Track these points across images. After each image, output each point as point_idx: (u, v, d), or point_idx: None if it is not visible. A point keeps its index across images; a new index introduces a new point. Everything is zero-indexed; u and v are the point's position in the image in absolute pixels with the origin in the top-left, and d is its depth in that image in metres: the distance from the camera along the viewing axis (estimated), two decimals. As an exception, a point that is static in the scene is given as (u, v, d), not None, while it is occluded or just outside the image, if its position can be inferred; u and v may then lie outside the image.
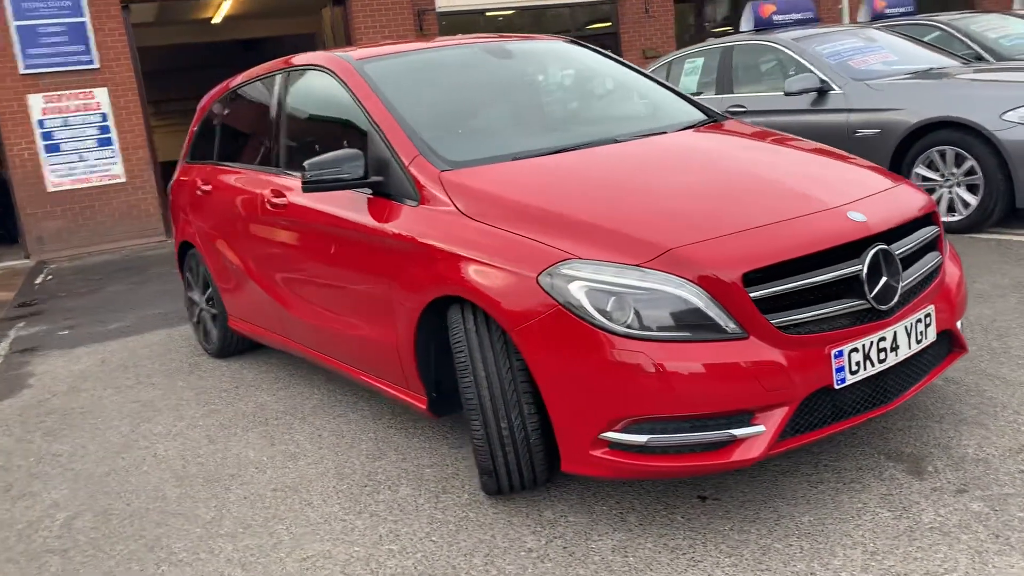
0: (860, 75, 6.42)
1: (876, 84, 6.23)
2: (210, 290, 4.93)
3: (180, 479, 3.42)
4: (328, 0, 13.70)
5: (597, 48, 4.22)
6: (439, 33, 14.13)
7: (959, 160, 5.65)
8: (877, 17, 9.22)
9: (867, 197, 2.80)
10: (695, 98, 4.10)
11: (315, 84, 3.86)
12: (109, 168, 11.96)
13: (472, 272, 2.73)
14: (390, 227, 3.12)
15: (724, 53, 7.43)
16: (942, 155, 5.74)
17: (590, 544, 2.58)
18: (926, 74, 6.32)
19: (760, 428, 2.44)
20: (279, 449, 3.59)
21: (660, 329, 2.41)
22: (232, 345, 4.99)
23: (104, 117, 11.85)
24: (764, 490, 2.77)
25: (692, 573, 2.37)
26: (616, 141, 3.30)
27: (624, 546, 2.55)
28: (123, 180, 12.00)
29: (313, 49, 18.02)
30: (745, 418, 2.44)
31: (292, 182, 3.81)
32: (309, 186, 3.25)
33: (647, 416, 2.43)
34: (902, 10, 9.40)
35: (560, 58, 4.02)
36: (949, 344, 2.96)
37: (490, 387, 2.68)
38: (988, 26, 8.27)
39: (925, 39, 7.72)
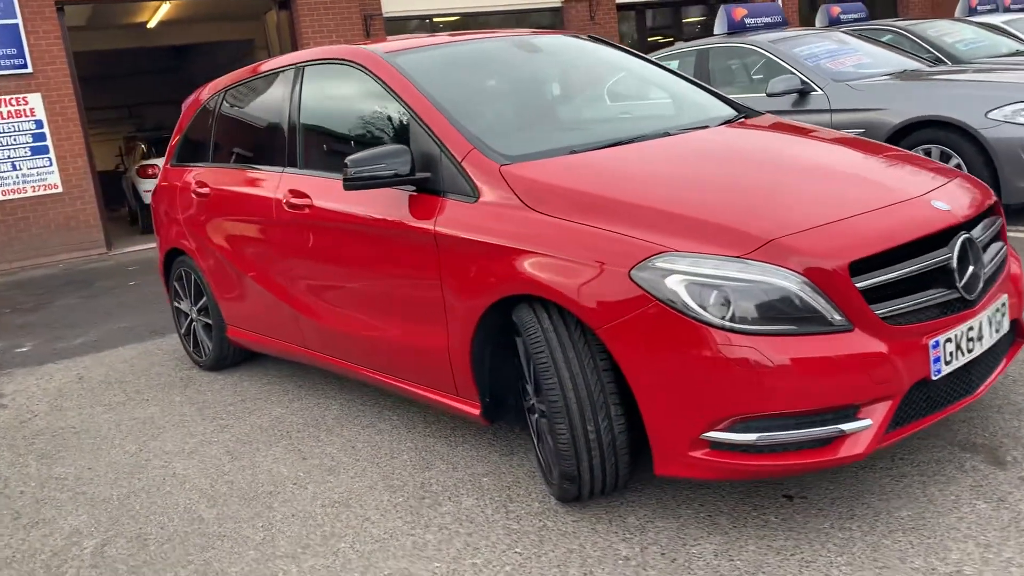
0: (839, 76, 6.52)
1: (857, 84, 6.33)
2: (204, 299, 4.67)
3: (212, 499, 3.19)
4: (271, 4, 13.37)
5: (615, 43, 4.15)
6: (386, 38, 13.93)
7: (944, 158, 5.76)
8: (833, 22, 9.42)
9: (941, 187, 2.78)
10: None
11: (339, 79, 3.68)
12: (45, 177, 11.39)
13: (547, 269, 2.60)
14: (442, 226, 2.97)
15: (700, 56, 7.46)
16: (927, 153, 5.84)
17: (689, 549, 2.47)
18: (903, 75, 6.45)
19: (867, 422, 2.37)
20: (313, 463, 3.39)
21: (765, 323, 2.33)
22: (229, 357, 4.73)
23: (39, 124, 11.29)
24: (849, 487, 2.71)
25: (807, 574, 2.29)
26: (668, 134, 3.22)
27: (726, 550, 2.45)
28: (60, 190, 11.45)
29: (251, 55, 17.63)
30: (851, 412, 2.37)
31: (314, 182, 3.62)
32: (352, 183, 3.08)
33: (754, 414, 2.34)
34: (855, 16, 9.62)
35: (585, 52, 3.92)
36: (1013, 333, 2.96)
37: (576, 389, 2.55)
38: (943, 31, 8.52)
39: (883, 42, 7.89)
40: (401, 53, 3.52)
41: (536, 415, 2.89)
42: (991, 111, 5.55)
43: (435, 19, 14.78)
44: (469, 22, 14.92)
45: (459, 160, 2.99)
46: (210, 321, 4.67)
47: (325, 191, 3.55)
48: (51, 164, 11.38)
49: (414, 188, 3.14)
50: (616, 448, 2.59)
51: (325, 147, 3.72)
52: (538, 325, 2.65)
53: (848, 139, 3.31)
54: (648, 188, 2.69)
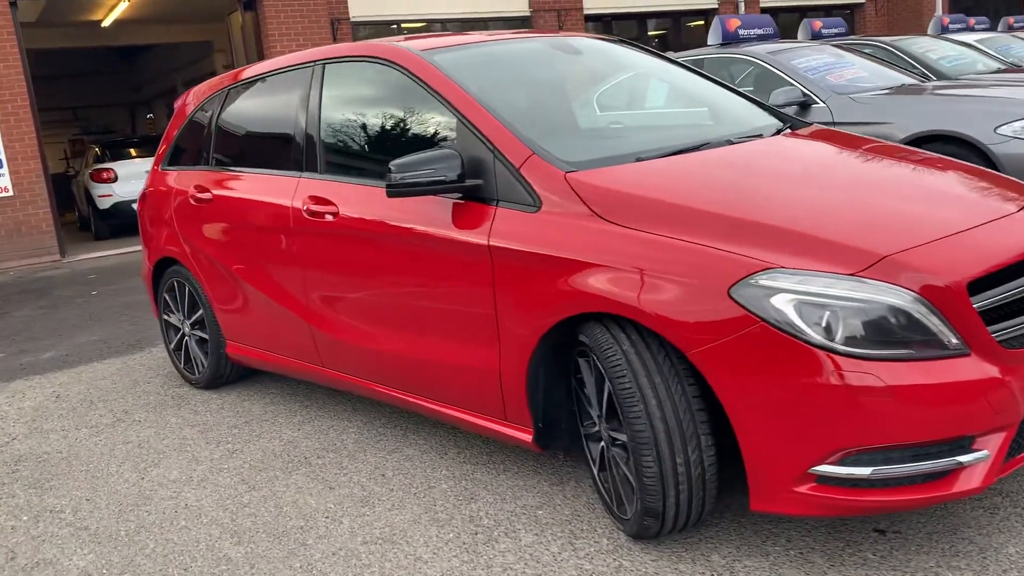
0: (841, 89, 6.44)
1: (860, 98, 6.26)
2: (200, 312, 4.35)
3: (236, 535, 2.89)
4: (235, 5, 12.97)
5: (649, 48, 3.97)
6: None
7: (951, 173, 5.71)
8: (815, 36, 9.41)
9: (1032, 202, 2.64)
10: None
11: (367, 78, 3.42)
12: (-5, 180, 10.82)
13: (628, 285, 2.39)
14: (497, 238, 2.73)
15: (695, 66, 7.32)
16: (934, 168, 5.78)
17: (790, 592, 2.28)
18: (904, 89, 6.40)
19: (983, 453, 2.20)
20: (342, 493, 3.12)
21: (880, 346, 2.15)
22: (225, 375, 4.42)
23: (-11, 124, 10.72)
24: (942, 520, 2.54)
25: (929, 620, 2.11)
26: (730, 142, 3.04)
27: (830, 592, 2.26)
28: (11, 194, 10.90)
29: (209, 58, 17.13)
30: (967, 443, 2.20)
31: (339, 188, 3.36)
32: (397, 190, 2.84)
33: (869, 446, 2.15)
34: (836, 30, 9.63)
35: (622, 56, 3.72)
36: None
37: (664, 418, 2.34)
38: (926, 48, 8.56)
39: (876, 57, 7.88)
40: (438, 51, 3.28)
41: (601, 443, 2.67)
42: (1000, 127, 5.51)
43: (403, 24, 14.53)
44: (436, 29, 14.69)
45: (516, 166, 2.76)
46: (206, 336, 4.35)
47: (353, 198, 3.28)
48: (1, 166, 10.82)
49: (459, 196, 2.91)
50: (705, 482, 2.39)
51: (352, 151, 3.45)
52: (616, 346, 2.43)
53: (911, 150, 3.17)
54: (737, 200, 2.49)
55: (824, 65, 6.79)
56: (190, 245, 4.24)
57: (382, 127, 3.35)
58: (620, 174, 2.69)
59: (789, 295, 2.18)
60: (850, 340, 2.14)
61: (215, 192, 4.04)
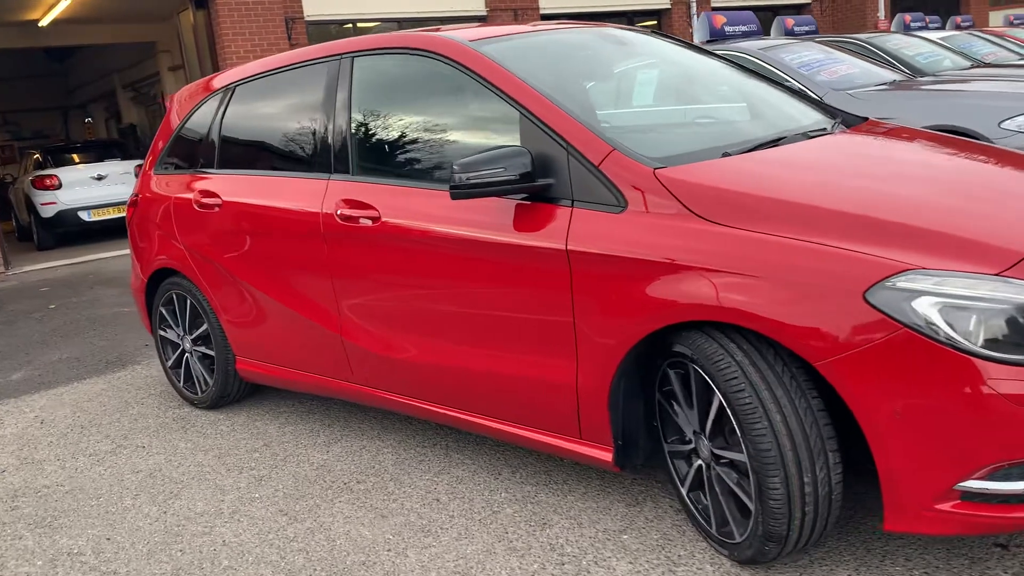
0: (836, 85, 6.39)
1: (858, 94, 6.20)
2: (204, 327, 4.03)
3: (291, 575, 2.62)
4: (185, 4, 12.48)
5: (683, 40, 3.79)
6: (308, 43, 13.26)
7: (955, 168, 5.68)
8: (788, 34, 9.40)
9: None
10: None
11: (410, 72, 3.16)
12: (-68, 189, 10.17)
13: (740, 290, 2.20)
14: (576, 242, 2.52)
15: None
16: (936, 164, 5.75)
17: (932, 618, 2.11)
18: (899, 85, 6.37)
19: None
20: (397, 522, 2.86)
21: (1031, 351, 2.00)
22: (232, 393, 4.10)
23: (-75, 129, 10.07)
24: (1061, 530, 2.41)
25: (1094, 645, 1.97)
26: (808, 136, 2.88)
27: (976, 616, 2.10)
28: (-50, 203, 10.25)
29: (152, 59, 16.50)
30: (1117, 453, 2.07)
31: (379, 191, 3.10)
32: (462, 191, 2.60)
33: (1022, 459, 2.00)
34: (807, 28, 9.64)
35: (670, 48, 3.53)
36: None
37: (790, 434, 2.16)
38: (901, 44, 8.60)
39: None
40: (486, 42, 3.05)
41: (696, 461, 2.49)
42: (1004, 121, 5.50)
43: (358, 24, 14.18)
44: (392, 28, 14.37)
45: (596, 163, 2.55)
46: (211, 352, 4.04)
47: (397, 201, 3.03)
48: (-61, 174, 10.17)
49: (523, 196, 2.69)
50: (831, 501, 2.21)
51: (392, 151, 3.19)
52: (728, 357, 2.24)
53: (973, 144, 3.05)
54: (854, 197, 2.31)
55: (815, 62, 6.74)
56: (194, 255, 3.92)
57: (427, 124, 3.10)
58: (715, 170, 2.49)
59: (933, 298, 2.02)
60: (1001, 345, 1.99)
61: (225, 198, 3.73)
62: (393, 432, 3.64)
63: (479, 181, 2.59)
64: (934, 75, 7.77)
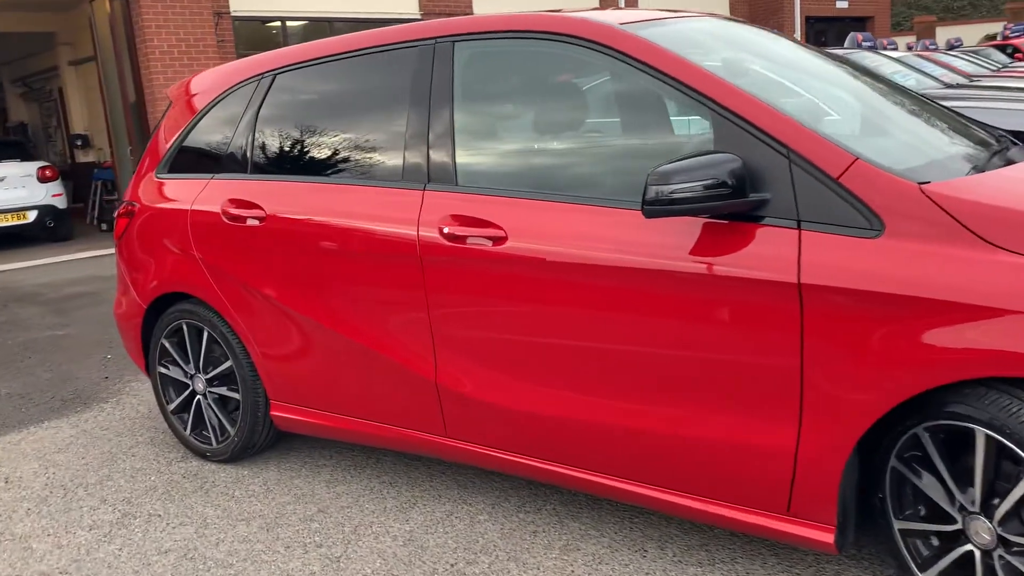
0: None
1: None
2: (228, 364, 3.32)
3: None
4: (98, -9, 11.38)
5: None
6: (233, 40, 12.34)
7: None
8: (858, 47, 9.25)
9: None
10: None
11: (538, 60, 2.59)
12: None
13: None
14: (811, 274, 2.03)
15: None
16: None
17: None
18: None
19: None
20: (551, 622, 2.28)
21: None
22: (258, 444, 3.40)
23: None
24: None
25: None
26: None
27: None
28: None
29: (51, 51, 15.14)
30: None
31: (503, 206, 2.52)
32: (658, 208, 2.10)
33: None
34: (868, 44, 9.52)
35: (800, 47, 3.08)
36: None
37: None
38: (876, 63, 8.51)
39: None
40: (642, 26, 2.52)
41: (970, 547, 2.02)
42: None
43: (287, 21, 13.33)
44: (323, 27, 13.59)
45: (834, 176, 2.06)
46: (234, 394, 3.33)
47: (529, 217, 2.46)
48: None
49: (710, 215, 2.18)
50: None
51: (519, 158, 2.62)
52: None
53: None
54: None
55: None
56: (220, 277, 3.21)
57: (564, 125, 2.54)
58: (991, 187, 2.04)
59: None
60: None
61: (271, 210, 3.05)
62: (477, 492, 3.04)
63: (683, 196, 2.06)
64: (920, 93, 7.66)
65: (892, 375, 1.95)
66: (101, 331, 6.10)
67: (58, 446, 3.84)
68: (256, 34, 13.00)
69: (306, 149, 3.08)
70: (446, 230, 2.60)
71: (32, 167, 11.54)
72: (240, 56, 12.37)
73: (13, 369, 5.28)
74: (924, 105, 2.90)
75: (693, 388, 2.25)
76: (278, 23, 13.31)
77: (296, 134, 3.12)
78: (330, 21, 13.67)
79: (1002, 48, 19.06)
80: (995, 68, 15.56)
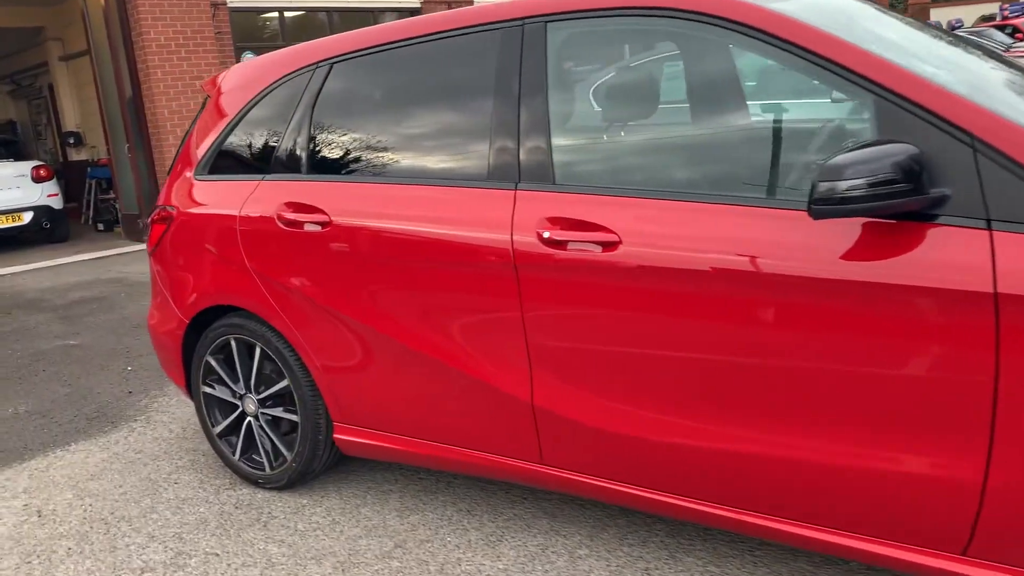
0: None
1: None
2: (285, 383, 3.02)
3: None
4: (91, -19, 10.98)
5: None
6: (230, 31, 11.96)
7: None
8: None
9: None
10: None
11: (655, 41, 2.30)
12: None
13: None
14: (1010, 282, 1.75)
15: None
16: None
17: None
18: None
19: None
20: None
21: None
22: (317, 469, 3.11)
23: None
24: None
25: None
26: None
27: None
28: None
29: (39, 47, 14.73)
30: None
31: (609, 206, 2.23)
32: (831, 208, 1.81)
33: None
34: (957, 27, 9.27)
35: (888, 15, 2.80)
36: None
37: None
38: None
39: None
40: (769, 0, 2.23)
41: None
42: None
43: (285, 13, 12.95)
44: (321, 18, 13.23)
45: (1035, 169, 1.77)
46: (291, 415, 3.04)
47: (647, 217, 2.17)
48: None
49: (869, 215, 1.89)
50: None
51: (628, 153, 2.32)
52: None
53: None
54: None
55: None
56: (276, 288, 2.91)
57: (696, 114, 2.25)
58: None
59: None
60: None
61: (334, 214, 2.74)
62: (568, 522, 2.76)
63: (862, 194, 1.78)
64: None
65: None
66: (115, 340, 5.78)
67: (90, 473, 3.54)
68: (251, 25, 12.64)
69: (370, 146, 2.78)
70: (546, 235, 2.31)
71: (26, 167, 11.17)
72: (237, 49, 12.02)
73: (27, 384, 4.95)
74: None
75: (857, 413, 1.97)
76: (275, 14, 12.94)
77: (359, 130, 2.81)
78: (328, 11, 13.31)
79: (1001, 28, 18.92)
80: (1003, 49, 15.34)
